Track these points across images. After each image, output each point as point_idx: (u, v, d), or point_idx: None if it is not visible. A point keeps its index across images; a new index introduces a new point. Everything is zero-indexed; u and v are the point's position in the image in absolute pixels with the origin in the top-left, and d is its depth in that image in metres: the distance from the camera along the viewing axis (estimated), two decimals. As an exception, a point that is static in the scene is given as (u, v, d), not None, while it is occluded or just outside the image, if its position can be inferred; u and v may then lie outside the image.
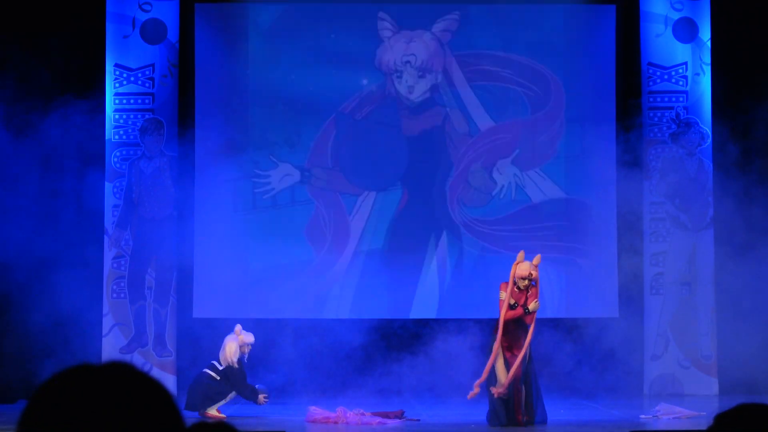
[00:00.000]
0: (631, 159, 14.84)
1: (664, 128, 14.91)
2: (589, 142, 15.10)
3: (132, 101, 14.79)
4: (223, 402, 12.12)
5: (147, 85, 14.78)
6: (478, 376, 11.07)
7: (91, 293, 14.54)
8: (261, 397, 12.09)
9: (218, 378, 12.19)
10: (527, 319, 10.72)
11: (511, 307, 10.61)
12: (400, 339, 14.78)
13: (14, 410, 13.08)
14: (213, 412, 11.95)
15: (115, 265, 14.76)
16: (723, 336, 14.61)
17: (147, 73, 14.78)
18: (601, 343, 14.66)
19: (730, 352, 14.47)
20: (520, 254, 10.90)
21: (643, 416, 11.88)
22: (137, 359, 14.69)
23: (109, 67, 14.73)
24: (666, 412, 11.79)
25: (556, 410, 12.33)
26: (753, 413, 3.36)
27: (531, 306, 10.65)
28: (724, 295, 14.58)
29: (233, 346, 12.07)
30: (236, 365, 12.07)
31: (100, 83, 14.69)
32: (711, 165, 14.83)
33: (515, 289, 10.74)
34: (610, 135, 15.00)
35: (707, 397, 14.59)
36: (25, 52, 14.32)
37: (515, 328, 10.68)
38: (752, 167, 14.72)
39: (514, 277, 10.68)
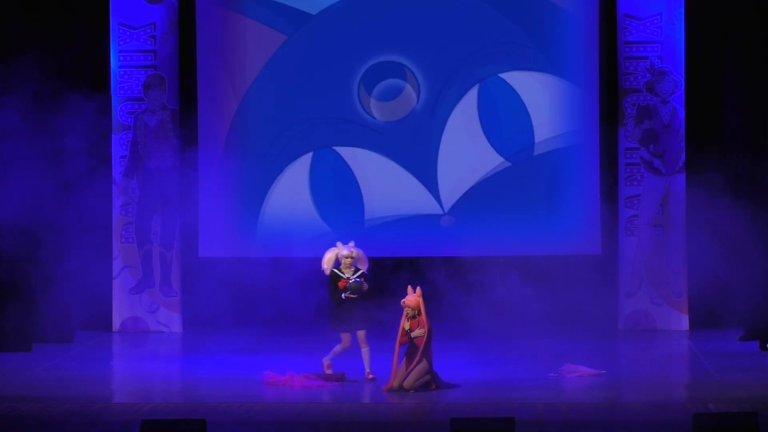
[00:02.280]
0: (609, 108, 15.69)
1: (639, 77, 15.66)
2: (574, 93, 15.85)
3: (135, 58, 15.81)
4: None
5: (149, 42, 15.78)
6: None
7: (101, 238, 15.70)
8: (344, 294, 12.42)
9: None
10: (416, 341, 11.94)
11: (406, 332, 11.99)
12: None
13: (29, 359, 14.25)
14: (326, 366, 12.54)
15: (123, 212, 15.90)
16: (693, 275, 15.47)
17: (149, 31, 15.77)
18: (580, 280, 15.57)
19: (699, 290, 15.32)
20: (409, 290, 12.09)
21: (551, 374, 12.71)
22: (145, 299, 15.92)
23: (114, 26, 15.73)
24: (569, 371, 12.67)
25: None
26: None
27: (414, 333, 11.92)
28: (694, 237, 15.39)
29: (327, 256, 12.57)
30: (327, 273, 12.53)
31: (105, 42, 15.70)
32: (683, 112, 15.58)
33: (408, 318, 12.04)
34: (593, 85, 15.78)
35: (678, 332, 15.52)
36: (29, 13, 15.31)
37: (411, 346, 12.02)
38: (723, 116, 15.48)
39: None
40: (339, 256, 12.48)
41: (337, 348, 12.48)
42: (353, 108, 16.07)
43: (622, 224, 15.76)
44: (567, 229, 15.92)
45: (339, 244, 12.56)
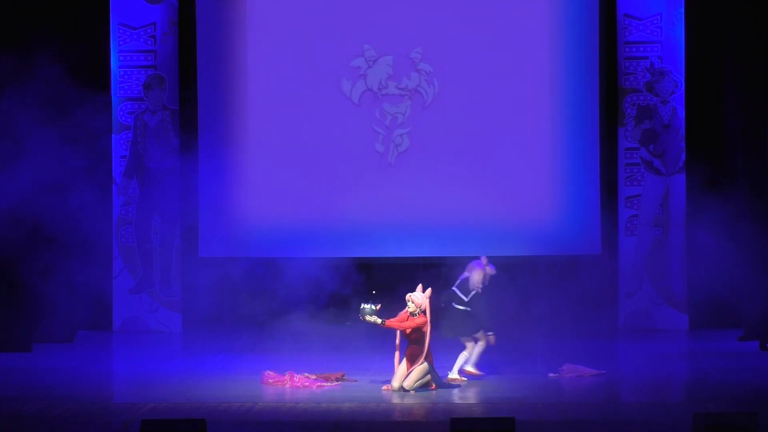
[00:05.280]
0: (609, 108, 15.70)
1: (639, 77, 15.67)
2: (574, 94, 15.86)
3: (135, 58, 15.84)
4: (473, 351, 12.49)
5: (149, 42, 15.80)
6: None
7: (101, 238, 15.72)
8: (491, 337, 12.53)
9: (466, 307, 12.52)
10: (411, 336, 11.94)
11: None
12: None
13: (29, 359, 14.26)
14: (454, 375, 12.38)
15: (123, 212, 15.92)
16: (693, 275, 15.48)
17: (149, 31, 15.79)
18: (580, 280, 15.58)
19: (699, 290, 15.33)
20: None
21: (551, 374, 12.71)
22: (145, 299, 15.94)
23: (114, 26, 15.76)
24: (569, 371, 12.68)
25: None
26: None
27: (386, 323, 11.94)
28: (694, 237, 15.41)
29: (478, 275, 12.48)
30: (480, 291, 12.53)
31: (105, 42, 15.72)
32: (683, 112, 15.60)
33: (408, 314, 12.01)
34: (594, 85, 15.78)
35: (678, 332, 15.54)
36: (29, 13, 15.34)
37: (413, 347, 12.00)
38: (723, 116, 15.49)
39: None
40: (485, 274, 12.50)
41: (464, 353, 12.47)
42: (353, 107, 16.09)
43: (622, 224, 15.78)
44: (567, 229, 15.92)
45: (484, 258, 12.58)
